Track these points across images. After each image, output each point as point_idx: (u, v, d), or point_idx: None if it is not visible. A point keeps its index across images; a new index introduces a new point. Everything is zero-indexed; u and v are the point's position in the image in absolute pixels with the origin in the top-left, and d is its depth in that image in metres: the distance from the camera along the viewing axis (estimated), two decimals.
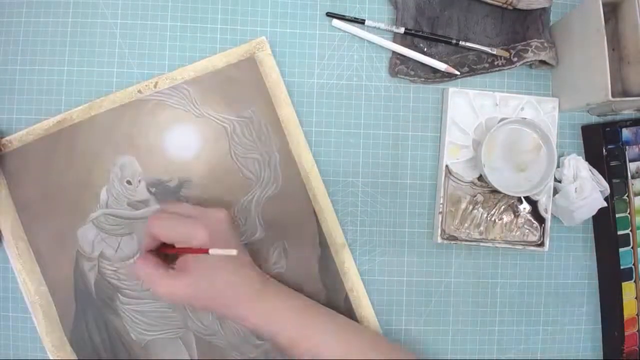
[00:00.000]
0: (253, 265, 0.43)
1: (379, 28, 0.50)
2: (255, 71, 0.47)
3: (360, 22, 0.49)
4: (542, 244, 0.49)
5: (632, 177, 0.49)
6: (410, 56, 0.49)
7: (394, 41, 0.50)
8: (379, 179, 0.50)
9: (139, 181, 0.46)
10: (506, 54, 0.49)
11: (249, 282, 0.41)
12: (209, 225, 0.39)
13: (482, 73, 0.50)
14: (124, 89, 0.47)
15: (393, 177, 0.50)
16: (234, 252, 0.35)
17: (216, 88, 0.47)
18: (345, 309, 0.47)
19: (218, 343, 0.46)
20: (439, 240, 0.48)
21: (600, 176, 0.48)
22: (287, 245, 0.47)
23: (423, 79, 0.50)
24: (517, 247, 0.49)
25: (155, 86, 0.47)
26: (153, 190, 0.46)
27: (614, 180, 0.49)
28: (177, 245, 0.39)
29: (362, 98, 0.50)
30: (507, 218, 0.49)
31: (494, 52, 0.49)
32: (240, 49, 0.48)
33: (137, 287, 0.46)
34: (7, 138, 0.46)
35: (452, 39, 0.49)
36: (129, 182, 0.46)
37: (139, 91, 0.47)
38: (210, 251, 0.35)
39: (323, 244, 0.48)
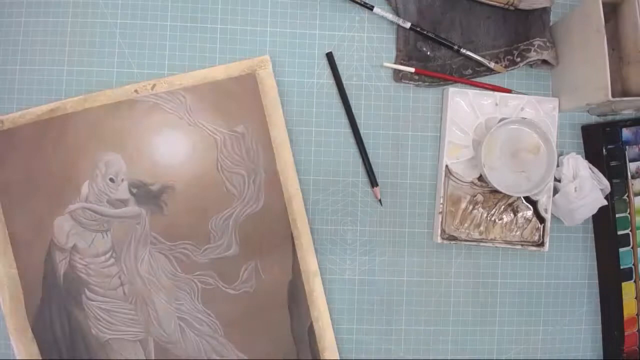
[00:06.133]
0: None
1: (386, 18, 0.49)
2: (254, 88, 0.48)
3: (369, 7, 0.49)
4: (542, 244, 0.49)
5: (632, 177, 0.49)
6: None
7: (397, 40, 0.50)
8: (379, 179, 0.50)
9: (122, 180, 0.47)
10: (503, 71, 0.50)
11: None
12: None
13: (485, 75, 0.50)
14: (121, 87, 0.47)
15: (393, 177, 0.50)
16: None
17: (213, 99, 0.47)
18: (309, 340, 0.47)
19: (176, 352, 0.47)
20: (439, 240, 0.48)
21: (600, 174, 0.48)
22: (260, 266, 0.47)
23: (427, 83, 0.50)
24: (517, 247, 0.49)
25: (152, 88, 0.47)
26: (134, 191, 0.47)
27: (614, 180, 0.48)
28: None
29: (362, 98, 0.50)
30: (507, 218, 0.49)
31: (492, 66, 0.49)
32: (243, 64, 0.48)
33: (104, 285, 0.46)
34: (0, 118, 0.46)
35: (454, 44, 0.49)
36: (112, 180, 0.46)
37: (136, 91, 0.47)
38: None
39: (295, 270, 0.47)
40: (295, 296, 0.47)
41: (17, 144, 0.46)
